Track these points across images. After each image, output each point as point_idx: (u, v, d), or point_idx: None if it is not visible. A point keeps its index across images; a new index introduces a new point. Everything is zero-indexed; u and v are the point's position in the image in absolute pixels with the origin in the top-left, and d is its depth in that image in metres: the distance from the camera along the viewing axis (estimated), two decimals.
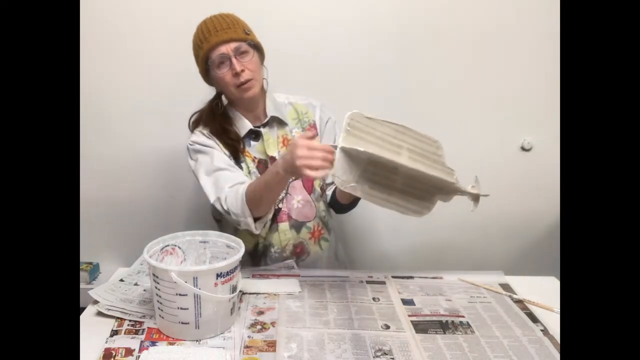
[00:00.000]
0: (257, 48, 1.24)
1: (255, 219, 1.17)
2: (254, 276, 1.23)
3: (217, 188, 1.20)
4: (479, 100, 1.85)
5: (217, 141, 1.27)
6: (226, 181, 1.19)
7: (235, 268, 0.97)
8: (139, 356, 0.90)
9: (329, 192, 1.39)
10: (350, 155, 0.98)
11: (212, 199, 1.20)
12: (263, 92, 1.30)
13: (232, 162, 1.26)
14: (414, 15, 1.77)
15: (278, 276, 1.23)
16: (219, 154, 1.25)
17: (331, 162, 0.98)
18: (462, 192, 1.12)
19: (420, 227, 1.97)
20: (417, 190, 1.06)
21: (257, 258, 1.34)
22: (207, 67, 1.22)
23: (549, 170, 1.88)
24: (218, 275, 0.93)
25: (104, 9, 1.75)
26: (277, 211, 1.31)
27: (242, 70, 1.18)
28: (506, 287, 1.19)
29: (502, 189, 1.94)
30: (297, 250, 1.33)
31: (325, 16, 1.76)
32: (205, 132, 1.28)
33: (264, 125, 1.31)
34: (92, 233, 1.96)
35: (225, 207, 1.17)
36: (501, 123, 1.88)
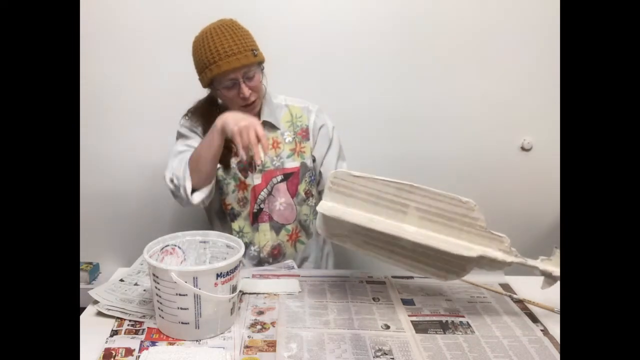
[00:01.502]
0: (261, 63, 1.25)
1: (194, 190, 1.21)
2: (254, 276, 1.23)
3: (172, 158, 1.26)
4: (478, 100, 1.85)
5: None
6: (182, 148, 1.27)
7: (235, 268, 0.97)
8: (139, 356, 0.90)
9: None
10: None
11: (166, 176, 1.24)
12: (261, 98, 1.30)
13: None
14: (413, 15, 1.77)
15: (278, 276, 1.23)
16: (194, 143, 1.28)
17: (259, 145, 1.08)
18: (523, 265, 0.97)
19: None
20: (436, 254, 0.95)
21: None
22: (212, 83, 1.24)
23: (549, 170, 1.88)
24: (218, 275, 0.93)
25: (104, 8, 1.75)
26: (259, 211, 1.33)
27: (250, 93, 1.21)
28: (506, 287, 1.19)
29: (502, 189, 1.95)
30: (274, 252, 1.35)
31: (325, 17, 1.76)
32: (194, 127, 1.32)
33: None
34: (92, 233, 1.96)
35: (170, 175, 1.22)
36: (501, 123, 1.88)
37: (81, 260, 2.00)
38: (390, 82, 1.82)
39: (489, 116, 1.87)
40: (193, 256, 1.10)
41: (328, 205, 1.02)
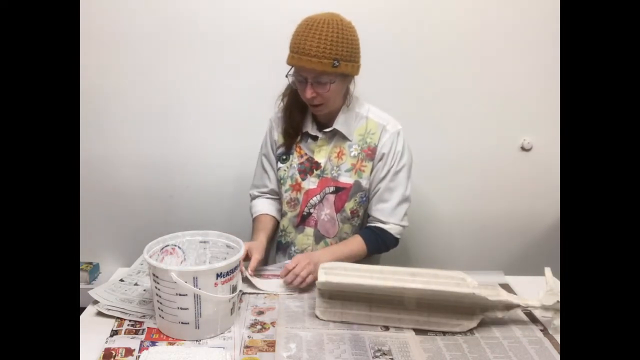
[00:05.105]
0: (343, 75, 1.20)
1: None
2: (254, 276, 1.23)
3: (254, 180, 1.45)
4: (479, 100, 1.86)
5: (281, 124, 1.34)
6: (258, 181, 1.43)
7: (235, 268, 0.97)
8: (139, 356, 0.90)
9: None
10: (331, 290, 1.01)
11: (250, 195, 1.46)
12: (339, 105, 1.27)
13: (272, 160, 1.38)
14: (414, 15, 1.77)
15: (278, 276, 1.23)
16: (269, 143, 1.38)
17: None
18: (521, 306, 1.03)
19: (420, 227, 1.97)
20: (443, 306, 1.00)
21: (281, 250, 1.39)
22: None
23: (549, 170, 1.89)
24: (218, 275, 0.93)
25: (103, 8, 1.75)
26: (308, 215, 1.32)
27: (314, 97, 1.18)
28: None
29: (502, 189, 1.95)
30: None
31: None
32: (279, 110, 1.34)
33: (325, 132, 1.29)
34: (92, 233, 1.96)
35: (250, 204, 1.44)
36: (501, 123, 1.88)
37: (81, 260, 2.00)
38: (389, 81, 1.82)
39: (489, 116, 1.87)
40: (193, 256, 1.10)
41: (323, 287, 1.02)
